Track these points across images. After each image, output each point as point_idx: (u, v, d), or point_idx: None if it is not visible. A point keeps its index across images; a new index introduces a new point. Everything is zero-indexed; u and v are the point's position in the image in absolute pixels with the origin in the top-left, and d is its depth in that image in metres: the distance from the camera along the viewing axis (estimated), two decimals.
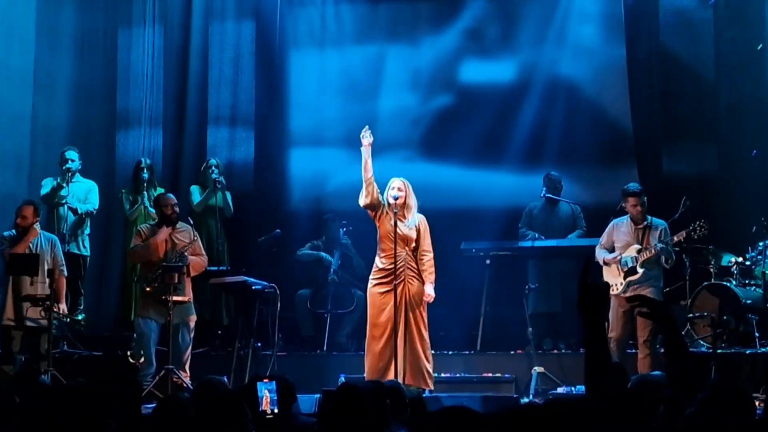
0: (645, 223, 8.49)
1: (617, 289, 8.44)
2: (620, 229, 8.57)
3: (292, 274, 10.56)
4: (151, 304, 8.64)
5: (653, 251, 8.34)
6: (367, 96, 11.55)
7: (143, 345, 8.60)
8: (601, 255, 8.60)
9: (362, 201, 8.38)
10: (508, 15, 11.50)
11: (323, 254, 10.47)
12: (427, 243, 8.34)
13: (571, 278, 9.99)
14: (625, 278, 8.41)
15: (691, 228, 8.29)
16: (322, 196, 11.47)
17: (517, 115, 11.12)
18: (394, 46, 11.69)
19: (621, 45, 11.07)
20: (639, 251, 8.40)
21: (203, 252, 9.00)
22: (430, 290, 8.26)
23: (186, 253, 8.71)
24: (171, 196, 9.12)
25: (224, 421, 4.18)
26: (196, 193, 10.42)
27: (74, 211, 9.86)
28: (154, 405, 7.71)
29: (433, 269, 8.31)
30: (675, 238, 8.32)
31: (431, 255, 8.34)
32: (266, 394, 5.38)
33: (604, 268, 8.56)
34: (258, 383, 5.39)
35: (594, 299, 3.46)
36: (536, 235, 10.05)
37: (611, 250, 8.59)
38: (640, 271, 8.36)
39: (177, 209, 8.90)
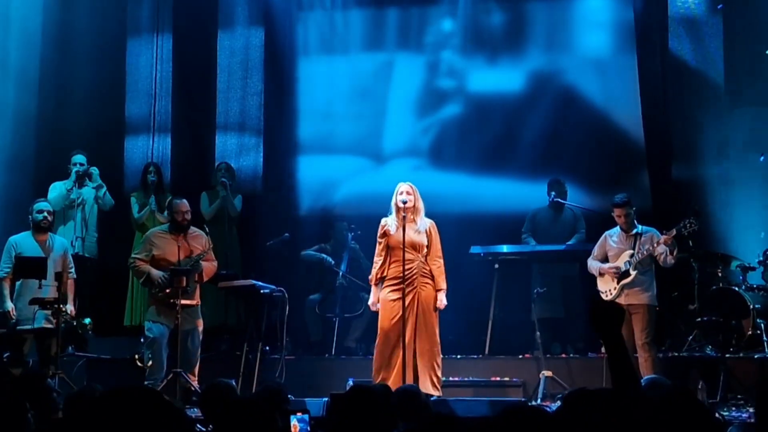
0: (635, 231, 8.60)
1: (611, 295, 8.55)
2: (611, 239, 8.77)
3: (301, 278, 10.58)
4: (161, 308, 8.67)
5: (645, 253, 8.43)
6: (376, 103, 11.59)
7: (154, 349, 8.61)
8: (594, 265, 8.74)
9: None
10: (518, 23, 11.52)
11: (324, 256, 10.47)
12: (437, 249, 8.33)
13: (574, 283, 10.03)
14: (618, 282, 8.48)
15: (681, 225, 8.33)
16: (331, 203, 11.50)
17: (526, 123, 11.14)
18: (403, 54, 11.71)
19: (631, 53, 11.08)
20: (632, 255, 8.52)
21: (214, 257, 9.02)
22: (442, 298, 8.25)
23: (201, 261, 8.73)
24: (183, 202, 8.97)
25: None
26: (205, 201, 10.47)
27: (99, 192, 9.91)
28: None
29: (443, 276, 8.29)
30: (666, 236, 8.36)
31: (441, 261, 8.31)
32: (295, 425, 5.34)
33: (598, 277, 8.65)
34: (291, 415, 5.35)
35: (607, 316, 3.48)
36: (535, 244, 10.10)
37: (604, 261, 8.72)
38: (633, 273, 8.45)
39: (188, 216, 8.85)
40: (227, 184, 10.39)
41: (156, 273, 8.69)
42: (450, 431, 3.21)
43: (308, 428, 5.25)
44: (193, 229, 8.92)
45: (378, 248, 8.40)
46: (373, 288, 8.39)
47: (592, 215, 10.31)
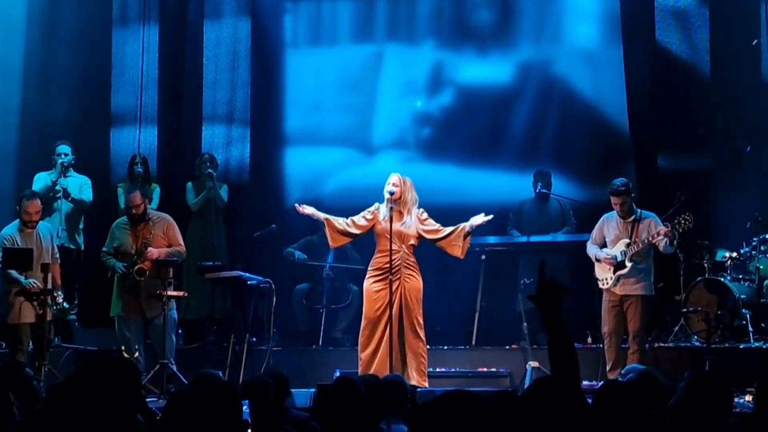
0: (633, 216, 8.55)
1: (607, 284, 8.53)
2: (610, 223, 8.65)
3: (288, 269, 10.57)
4: (123, 299, 8.74)
5: (641, 245, 8.39)
6: (365, 95, 11.58)
7: (125, 342, 8.69)
8: (592, 251, 8.69)
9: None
10: (506, 14, 11.52)
11: (297, 253, 10.42)
12: (436, 225, 8.39)
13: (561, 274, 10.03)
14: (614, 272, 8.47)
15: (675, 221, 8.34)
16: (320, 195, 11.48)
17: (514, 114, 11.16)
18: (392, 45, 11.70)
19: (617, 43, 11.09)
20: (627, 245, 8.46)
21: (179, 241, 9.02)
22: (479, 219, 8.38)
23: (150, 246, 8.74)
24: (134, 194, 9.02)
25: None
26: (191, 192, 10.45)
27: (68, 195, 9.88)
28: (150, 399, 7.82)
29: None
30: (660, 232, 8.36)
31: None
32: None
33: (595, 263, 8.64)
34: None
35: (551, 295, 3.56)
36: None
37: (602, 245, 8.66)
38: (629, 265, 8.42)
39: (137, 210, 8.87)
40: (214, 175, 10.36)
41: (117, 265, 8.77)
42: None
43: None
44: (157, 215, 8.99)
45: (358, 216, 8.40)
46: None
47: (578, 206, 10.33)
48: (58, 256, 9.05)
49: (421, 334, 8.28)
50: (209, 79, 11.62)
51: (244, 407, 5.01)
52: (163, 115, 11.53)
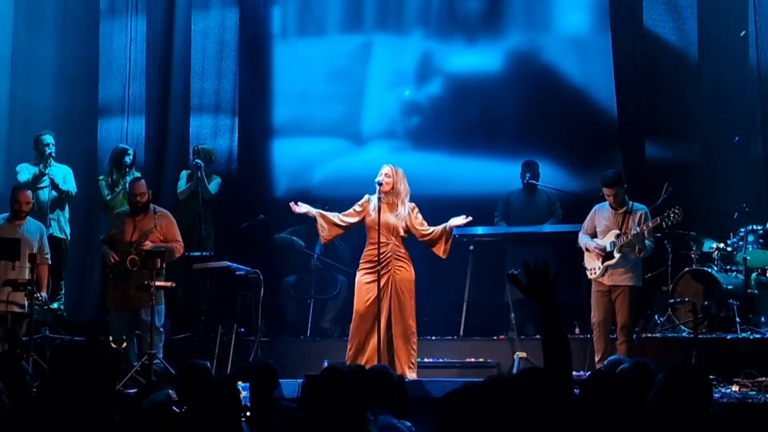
0: (625, 208, 8.55)
1: (595, 273, 8.54)
2: (601, 214, 8.64)
3: (276, 260, 10.57)
4: (114, 290, 8.68)
5: (630, 237, 8.40)
6: (354, 85, 11.56)
7: (114, 331, 8.66)
8: (583, 240, 8.69)
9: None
10: (494, 2, 11.51)
11: (295, 238, 10.45)
12: (423, 222, 8.41)
13: (549, 265, 10.04)
14: (603, 262, 8.47)
15: (665, 215, 8.34)
16: (308, 185, 11.47)
17: (502, 103, 11.14)
18: (381, 35, 11.67)
19: (606, 31, 11.09)
20: (617, 236, 8.47)
21: (177, 238, 8.98)
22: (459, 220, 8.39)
23: (149, 240, 8.71)
24: (138, 183, 9.01)
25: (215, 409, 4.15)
26: (183, 181, 10.44)
27: (56, 186, 9.85)
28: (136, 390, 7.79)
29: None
30: (649, 224, 8.37)
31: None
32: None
33: (585, 253, 8.65)
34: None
35: (539, 281, 3.52)
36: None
37: (593, 235, 8.67)
38: (617, 255, 8.43)
39: (141, 198, 8.85)
40: (201, 166, 10.33)
41: (107, 253, 8.77)
42: None
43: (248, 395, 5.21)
44: (160, 210, 8.96)
45: (349, 210, 8.39)
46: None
47: (565, 196, 10.33)
48: (48, 256, 8.99)
49: (413, 325, 8.28)
50: (197, 69, 11.59)
51: (245, 393, 5.00)
52: (151, 106, 11.50)
